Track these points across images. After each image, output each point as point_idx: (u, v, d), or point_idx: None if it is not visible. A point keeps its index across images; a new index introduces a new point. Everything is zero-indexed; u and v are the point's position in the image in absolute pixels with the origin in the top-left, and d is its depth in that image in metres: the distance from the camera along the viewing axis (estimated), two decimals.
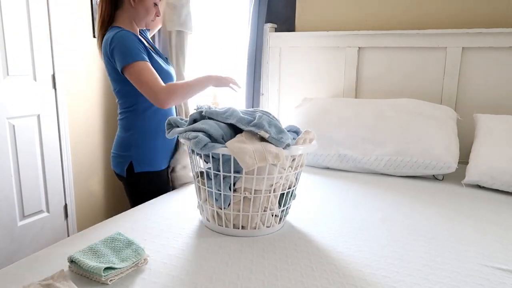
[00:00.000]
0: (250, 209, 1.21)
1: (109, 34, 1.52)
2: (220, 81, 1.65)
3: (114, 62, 1.51)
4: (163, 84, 1.47)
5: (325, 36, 2.37)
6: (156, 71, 1.53)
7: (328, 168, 2.02)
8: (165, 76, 1.61)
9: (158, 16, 1.65)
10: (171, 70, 1.71)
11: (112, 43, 1.49)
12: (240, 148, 1.12)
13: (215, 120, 1.25)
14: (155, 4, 1.61)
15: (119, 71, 1.50)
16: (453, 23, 2.15)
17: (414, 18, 2.23)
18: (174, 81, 1.69)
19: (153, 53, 1.62)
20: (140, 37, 1.61)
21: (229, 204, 1.22)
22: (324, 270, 1.04)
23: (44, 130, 2.41)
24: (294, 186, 1.29)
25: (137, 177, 1.65)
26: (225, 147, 1.15)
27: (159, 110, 1.64)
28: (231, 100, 2.92)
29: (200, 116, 1.30)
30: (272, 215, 1.25)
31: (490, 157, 1.72)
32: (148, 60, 1.51)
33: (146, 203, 1.50)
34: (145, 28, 1.71)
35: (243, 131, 1.21)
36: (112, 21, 1.59)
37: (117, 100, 1.68)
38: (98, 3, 1.61)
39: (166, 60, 1.75)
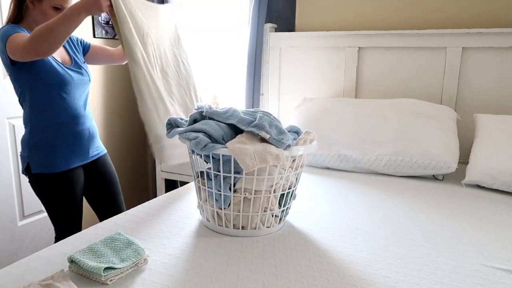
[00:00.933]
0: (250, 210, 1.21)
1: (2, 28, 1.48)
2: (90, 6, 1.39)
3: (4, 58, 1.47)
4: (22, 38, 1.39)
5: (325, 36, 2.37)
6: (46, 72, 1.50)
7: (328, 168, 2.02)
8: (62, 79, 1.54)
9: None
10: (74, 73, 1.60)
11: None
12: (240, 149, 1.12)
13: (215, 120, 1.25)
14: (56, 8, 1.51)
15: (7, 62, 1.46)
16: (453, 23, 2.15)
17: (414, 18, 2.23)
18: (88, 85, 1.67)
19: (51, 58, 1.54)
20: None
21: (229, 205, 1.22)
22: (324, 270, 1.04)
23: None
24: (294, 187, 1.29)
25: (34, 179, 1.57)
26: (226, 147, 1.15)
27: (58, 103, 1.55)
28: (231, 100, 2.92)
29: (201, 116, 1.30)
30: (272, 216, 1.25)
31: (490, 157, 1.72)
32: (21, 32, 1.44)
33: (146, 203, 1.50)
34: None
35: (244, 132, 1.21)
36: (18, 21, 1.54)
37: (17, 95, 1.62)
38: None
39: (75, 62, 1.65)
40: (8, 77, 2.19)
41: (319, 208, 1.48)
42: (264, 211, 1.22)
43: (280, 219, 1.29)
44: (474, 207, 1.51)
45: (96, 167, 1.76)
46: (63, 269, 0.98)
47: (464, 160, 2.00)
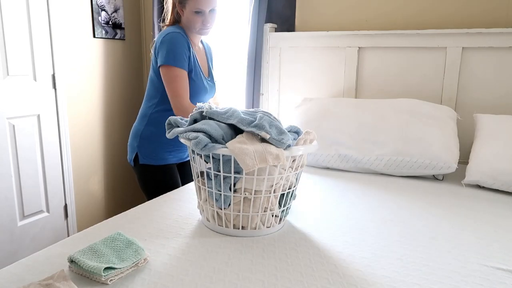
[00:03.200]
0: (250, 210, 1.21)
1: (167, 30, 1.66)
2: None
3: (156, 55, 1.65)
4: (186, 101, 1.61)
5: (325, 36, 2.37)
6: (194, 83, 1.68)
7: (328, 168, 2.02)
8: (200, 88, 1.73)
9: (206, 24, 1.70)
10: (209, 85, 1.80)
11: (163, 39, 1.63)
12: (240, 149, 1.12)
13: (215, 120, 1.25)
14: (197, 12, 1.66)
15: (157, 65, 1.65)
16: (453, 23, 2.15)
17: (414, 18, 2.23)
18: (212, 96, 1.84)
19: (199, 66, 1.73)
20: (192, 47, 1.72)
21: (229, 205, 1.22)
22: (324, 270, 1.04)
23: (44, 130, 2.41)
24: (294, 187, 1.29)
25: (141, 169, 1.75)
26: (226, 147, 1.15)
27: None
28: (231, 100, 2.92)
29: (201, 116, 1.29)
30: (272, 216, 1.25)
31: (490, 157, 1.72)
32: (186, 69, 1.64)
33: (146, 203, 1.50)
34: (201, 35, 1.76)
35: (244, 132, 1.21)
36: (175, 22, 1.74)
37: (147, 88, 1.79)
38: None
39: (211, 76, 1.86)
40: (8, 77, 2.19)
41: (319, 208, 1.48)
42: (264, 211, 1.22)
43: (280, 219, 1.29)
44: (474, 207, 1.51)
45: (186, 166, 1.93)
46: (63, 269, 0.97)
47: (464, 160, 2.00)
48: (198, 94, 1.74)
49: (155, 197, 1.69)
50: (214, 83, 1.87)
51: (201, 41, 1.87)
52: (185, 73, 1.63)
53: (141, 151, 1.74)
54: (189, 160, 1.86)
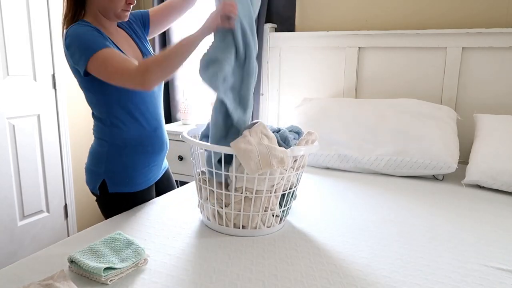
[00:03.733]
0: (251, 209, 1.21)
1: (66, 33, 1.28)
2: (207, 29, 1.22)
3: (75, 63, 1.26)
4: (134, 64, 1.21)
5: (325, 36, 2.37)
6: None
7: (328, 168, 2.02)
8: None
9: (131, 3, 1.35)
10: None
11: (67, 40, 1.26)
12: (245, 151, 1.11)
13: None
14: None
15: (82, 73, 1.26)
16: (453, 23, 2.15)
17: (414, 18, 2.23)
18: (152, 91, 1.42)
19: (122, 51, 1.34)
20: (108, 35, 1.34)
21: (230, 204, 1.22)
22: (324, 270, 1.04)
23: (44, 130, 2.41)
24: (295, 187, 1.29)
25: (110, 198, 1.41)
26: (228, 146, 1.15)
27: (137, 120, 1.39)
28: None
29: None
30: (273, 215, 1.25)
31: (490, 157, 1.72)
32: (110, 46, 1.25)
33: (146, 203, 1.50)
34: (119, 21, 1.39)
35: (249, 129, 1.20)
36: (77, 17, 1.33)
37: (90, 106, 1.43)
38: None
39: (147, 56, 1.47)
40: (8, 77, 2.19)
41: (319, 208, 1.48)
42: (265, 211, 1.22)
43: (281, 219, 1.29)
44: (474, 207, 1.51)
45: (162, 181, 1.61)
46: (63, 269, 0.98)
47: (464, 160, 2.00)
48: (136, 92, 1.36)
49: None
50: None
51: (118, 25, 1.45)
52: (111, 49, 1.23)
53: (111, 178, 1.39)
54: (166, 171, 1.62)
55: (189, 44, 1.22)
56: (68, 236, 2.31)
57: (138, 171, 1.42)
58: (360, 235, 1.25)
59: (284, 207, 1.27)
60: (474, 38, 2.04)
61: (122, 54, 1.26)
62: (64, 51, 1.30)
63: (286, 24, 2.51)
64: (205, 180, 1.26)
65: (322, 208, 1.48)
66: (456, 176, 1.87)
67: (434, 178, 1.88)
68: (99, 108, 1.38)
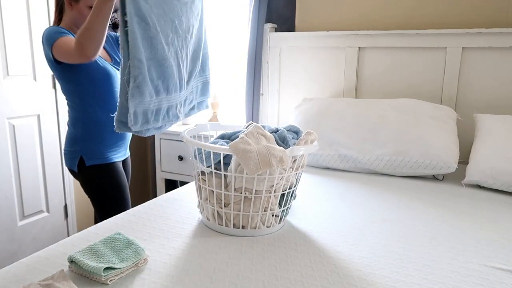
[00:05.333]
0: (251, 209, 1.21)
1: (44, 30, 1.55)
2: None
3: (46, 54, 1.54)
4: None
5: (325, 36, 2.37)
6: (91, 67, 1.57)
7: (328, 168, 2.02)
8: (101, 76, 1.61)
9: None
10: (114, 70, 1.67)
11: (43, 38, 1.53)
12: (244, 151, 1.11)
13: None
14: (91, 7, 1.47)
15: (53, 63, 1.53)
16: (453, 23, 2.15)
17: (414, 18, 2.23)
18: (114, 82, 1.66)
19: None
20: None
21: (229, 204, 1.22)
22: (324, 270, 1.04)
23: (44, 130, 2.41)
24: (294, 187, 1.29)
25: (89, 171, 1.66)
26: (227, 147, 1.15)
27: (103, 106, 1.63)
28: (231, 100, 2.92)
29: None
30: (273, 215, 1.25)
31: (490, 157, 1.72)
32: (68, 35, 1.51)
33: (146, 203, 1.50)
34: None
35: (245, 132, 1.21)
36: (58, 22, 1.63)
37: (65, 95, 1.68)
38: None
39: (115, 60, 1.72)
40: (8, 77, 2.19)
41: (319, 208, 1.48)
42: (265, 211, 1.22)
43: (280, 219, 1.29)
44: (474, 207, 1.51)
45: (124, 165, 1.85)
46: (63, 269, 0.98)
47: (464, 160, 2.00)
48: (103, 80, 1.62)
49: (105, 199, 1.67)
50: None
51: None
52: (67, 37, 1.48)
53: (87, 154, 1.65)
54: (127, 158, 1.85)
55: (101, 6, 1.33)
56: (68, 236, 2.32)
57: (108, 147, 1.69)
58: (360, 235, 1.25)
59: (283, 207, 1.27)
60: (474, 38, 2.04)
61: (70, 38, 1.49)
62: (44, 49, 1.55)
63: (286, 24, 2.51)
64: (205, 180, 1.26)
65: (322, 208, 1.48)
66: (456, 176, 1.87)
67: (434, 178, 1.88)
68: (73, 97, 1.64)
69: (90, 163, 1.65)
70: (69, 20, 1.61)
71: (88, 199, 1.88)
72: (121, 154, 1.76)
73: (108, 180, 1.68)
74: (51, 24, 1.68)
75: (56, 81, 2.43)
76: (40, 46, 2.32)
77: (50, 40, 1.49)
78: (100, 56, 1.63)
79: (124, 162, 1.84)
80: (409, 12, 2.24)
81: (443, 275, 1.02)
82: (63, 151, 1.73)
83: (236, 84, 2.87)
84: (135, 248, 1.05)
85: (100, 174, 1.67)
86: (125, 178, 1.75)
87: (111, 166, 1.69)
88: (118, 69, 1.69)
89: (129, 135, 1.80)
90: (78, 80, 1.59)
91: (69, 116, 1.70)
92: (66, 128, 1.75)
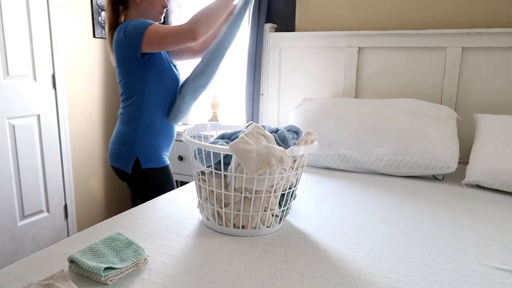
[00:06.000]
0: (251, 209, 1.21)
1: (121, 26, 1.58)
2: None
3: (128, 46, 1.55)
4: (184, 24, 1.51)
5: (325, 36, 2.37)
6: (163, 72, 1.63)
7: (328, 168, 2.02)
8: (169, 77, 1.67)
9: (165, 7, 1.68)
10: (178, 73, 1.74)
11: (125, 28, 1.55)
12: (244, 152, 1.11)
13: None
14: None
15: (141, 51, 1.55)
16: (453, 23, 2.15)
17: (414, 18, 2.23)
18: (179, 85, 1.73)
19: (162, 53, 1.66)
20: None
21: (229, 204, 1.22)
22: (324, 270, 1.04)
23: (44, 130, 2.41)
24: (294, 187, 1.29)
25: (146, 173, 1.67)
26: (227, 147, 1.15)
27: (164, 104, 1.68)
28: (231, 100, 2.92)
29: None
30: (273, 215, 1.25)
31: (490, 157, 1.72)
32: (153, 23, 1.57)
33: (146, 203, 1.50)
34: (156, 22, 1.68)
35: (245, 132, 1.21)
36: (119, 22, 1.67)
37: (120, 93, 1.70)
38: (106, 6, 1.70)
39: (175, 67, 1.77)
40: (8, 78, 2.19)
41: (319, 208, 1.48)
42: (264, 211, 1.22)
43: (280, 219, 1.29)
44: (474, 207, 1.51)
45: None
46: (63, 269, 0.97)
47: (464, 160, 2.00)
48: (169, 82, 1.67)
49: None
50: (178, 71, 1.78)
51: None
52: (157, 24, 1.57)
53: (143, 156, 1.66)
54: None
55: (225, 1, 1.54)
56: (68, 236, 2.32)
57: (162, 150, 1.72)
58: (360, 235, 1.25)
59: (283, 207, 1.27)
60: (474, 38, 2.04)
61: (162, 25, 1.54)
62: (118, 43, 1.57)
63: (286, 24, 2.51)
64: (205, 180, 1.26)
65: (322, 208, 1.48)
66: (456, 176, 1.87)
67: (434, 178, 1.88)
68: (135, 95, 1.64)
69: (146, 165, 1.66)
70: (136, 14, 1.64)
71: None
72: (168, 157, 1.79)
73: (165, 183, 1.72)
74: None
75: (57, 81, 2.44)
76: (40, 46, 2.33)
77: (140, 27, 1.51)
78: (167, 56, 1.68)
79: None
80: (409, 12, 2.24)
81: (443, 275, 1.02)
82: (111, 150, 1.71)
83: (236, 84, 2.87)
84: (135, 248, 1.05)
85: (158, 177, 1.70)
86: (173, 180, 1.80)
87: (166, 169, 1.73)
88: (179, 74, 1.75)
89: (173, 140, 1.83)
90: (148, 78, 1.61)
91: (123, 114, 1.69)
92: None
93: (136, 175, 1.67)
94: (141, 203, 1.71)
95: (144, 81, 1.62)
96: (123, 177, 1.72)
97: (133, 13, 1.65)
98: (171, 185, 1.76)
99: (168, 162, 1.76)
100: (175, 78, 1.70)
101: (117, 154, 1.69)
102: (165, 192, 1.69)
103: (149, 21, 1.57)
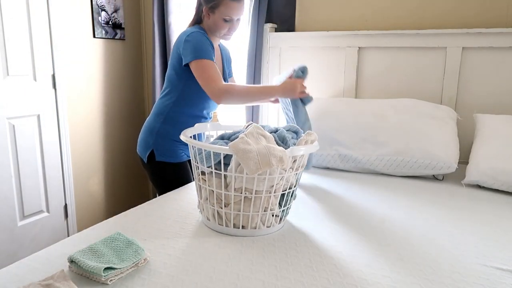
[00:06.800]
0: (251, 209, 1.21)
1: (190, 29, 1.69)
2: (287, 93, 1.68)
3: (181, 54, 1.67)
4: (223, 83, 1.60)
5: (325, 36, 2.37)
6: None
7: (328, 168, 2.02)
8: None
9: (232, 30, 1.75)
10: None
11: (187, 38, 1.65)
12: (244, 152, 1.11)
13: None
14: (225, 20, 1.70)
15: (183, 63, 1.66)
16: (453, 23, 2.15)
17: (414, 18, 2.23)
18: None
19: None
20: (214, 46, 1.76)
21: (229, 204, 1.22)
22: (324, 270, 1.04)
23: (44, 130, 2.41)
24: (294, 187, 1.29)
25: (157, 166, 1.76)
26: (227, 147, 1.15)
27: (195, 105, 1.76)
28: None
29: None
30: (273, 215, 1.25)
31: (490, 157, 1.72)
32: (212, 59, 1.65)
33: (146, 203, 1.50)
34: (222, 39, 1.81)
35: (245, 132, 1.21)
36: (196, 23, 1.78)
37: (164, 86, 1.81)
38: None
39: (226, 80, 1.86)
40: (8, 77, 2.19)
41: (319, 208, 1.48)
42: (264, 211, 1.22)
43: (281, 219, 1.29)
44: (474, 207, 1.51)
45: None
46: (63, 269, 0.97)
47: (464, 160, 2.00)
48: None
49: (168, 192, 1.72)
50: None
51: (220, 47, 1.92)
52: (214, 63, 1.64)
53: (158, 149, 1.75)
54: None
55: (268, 93, 1.70)
56: (68, 236, 2.32)
57: (179, 146, 1.78)
58: (360, 235, 1.25)
59: (283, 207, 1.27)
60: (474, 38, 2.04)
61: (218, 70, 1.64)
62: (179, 42, 1.68)
63: (286, 24, 2.51)
64: (205, 180, 1.26)
65: (322, 208, 1.48)
66: (456, 176, 1.87)
67: (434, 178, 1.88)
68: (174, 90, 1.74)
69: (160, 158, 1.75)
70: (206, 27, 1.75)
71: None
72: (188, 154, 1.83)
73: (174, 177, 1.77)
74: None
75: (57, 81, 2.44)
76: (40, 46, 2.33)
77: (196, 51, 1.60)
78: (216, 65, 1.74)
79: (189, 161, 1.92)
80: (409, 12, 2.24)
81: (443, 275, 1.02)
82: (138, 138, 1.84)
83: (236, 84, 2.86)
84: (135, 248, 1.05)
85: (168, 172, 1.77)
86: (191, 177, 1.84)
87: (179, 165, 1.78)
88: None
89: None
90: (187, 82, 1.70)
91: (155, 105, 1.80)
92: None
93: (150, 165, 1.77)
94: (158, 194, 1.82)
95: (184, 80, 1.71)
96: (142, 164, 1.83)
97: (205, 24, 1.75)
98: (182, 180, 1.79)
99: (185, 159, 1.81)
100: None
101: (139, 141, 1.81)
102: (173, 186, 1.75)
103: (204, 49, 1.62)
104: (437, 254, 1.13)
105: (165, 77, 1.79)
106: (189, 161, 1.89)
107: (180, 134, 1.66)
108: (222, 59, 1.90)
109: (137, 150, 1.84)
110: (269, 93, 1.69)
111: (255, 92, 1.64)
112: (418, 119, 1.93)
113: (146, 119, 1.83)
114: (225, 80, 1.88)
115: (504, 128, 1.80)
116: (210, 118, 1.90)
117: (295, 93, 1.69)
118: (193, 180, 1.85)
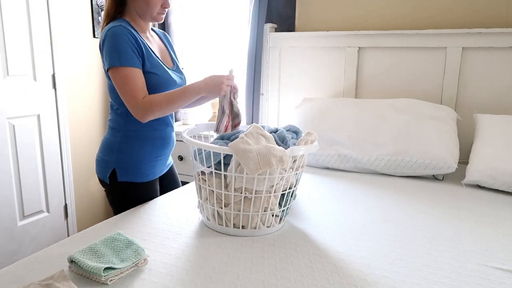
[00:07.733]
0: (251, 209, 1.21)
1: (108, 26, 1.40)
2: (212, 89, 1.40)
3: (102, 59, 1.42)
4: (142, 97, 1.37)
5: (325, 36, 2.37)
6: (156, 77, 1.44)
7: (328, 168, 2.02)
8: (165, 82, 1.47)
9: (166, 7, 1.48)
10: (177, 76, 1.55)
11: (104, 38, 1.38)
12: (244, 151, 1.11)
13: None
14: None
15: (105, 70, 1.41)
16: (453, 23, 2.15)
17: (414, 18, 2.23)
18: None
19: (156, 56, 1.47)
20: (142, 36, 1.47)
21: (229, 204, 1.22)
22: (324, 270, 1.04)
23: (44, 130, 2.41)
24: (294, 187, 1.29)
25: (120, 186, 1.50)
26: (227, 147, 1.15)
27: None
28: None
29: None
30: (273, 215, 1.25)
31: (490, 157, 1.72)
32: (137, 66, 1.38)
33: (146, 203, 1.50)
34: (154, 22, 1.52)
35: (245, 132, 1.22)
36: (118, 14, 1.47)
37: (110, 98, 1.53)
38: None
39: (177, 66, 1.60)
40: (8, 77, 2.19)
41: (319, 208, 1.48)
42: (264, 211, 1.22)
43: (280, 219, 1.29)
44: (474, 207, 1.51)
45: (167, 176, 1.69)
46: (63, 269, 0.98)
47: (464, 160, 2.00)
48: (165, 88, 1.47)
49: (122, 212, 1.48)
50: (182, 74, 1.61)
51: (153, 30, 1.61)
52: (136, 71, 1.37)
53: (121, 167, 1.48)
54: (170, 168, 1.70)
55: (191, 93, 1.40)
56: (68, 236, 2.32)
57: (146, 163, 1.52)
58: (360, 235, 1.25)
59: (283, 207, 1.27)
60: (474, 38, 2.04)
61: (141, 80, 1.39)
62: (99, 43, 1.44)
63: (286, 24, 2.51)
64: (205, 180, 1.26)
65: (322, 208, 1.48)
66: (456, 176, 1.87)
67: (434, 178, 1.88)
68: (119, 99, 1.45)
69: (122, 178, 1.48)
70: (132, 10, 1.46)
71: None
72: (159, 170, 1.58)
73: (139, 199, 1.52)
74: (102, 19, 1.49)
75: (57, 81, 2.44)
76: (40, 46, 2.33)
77: (116, 58, 1.35)
78: (163, 62, 1.50)
79: (169, 172, 1.69)
80: (409, 12, 2.24)
81: (443, 275, 1.02)
82: (96, 157, 1.56)
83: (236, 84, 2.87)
84: (135, 248, 1.05)
85: (132, 193, 1.51)
86: (157, 196, 1.60)
87: (145, 185, 1.52)
88: (180, 77, 1.56)
89: (172, 148, 1.64)
90: None
91: (109, 120, 1.54)
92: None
93: (112, 186, 1.51)
94: (114, 213, 1.55)
95: None
96: (103, 186, 1.56)
97: (130, 8, 1.46)
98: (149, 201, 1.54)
99: (151, 178, 1.54)
100: (168, 84, 1.48)
101: (98, 162, 1.54)
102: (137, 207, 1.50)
103: (126, 57, 1.35)
104: (436, 254, 1.13)
105: (107, 88, 1.53)
106: (160, 177, 1.65)
107: (146, 149, 1.50)
108: (167, 48, 1.62)
109: (96, 171, 1.55)
110: (192, 92, 1.39)
111: (176, 97, 1.38)
112: (418, 119, 1.93)
113: (104, 135, 1.56)
114: (179, 73, 1.59)
115: (504, 128, 1.80)
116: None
117: (220, 88, 1.40)
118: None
